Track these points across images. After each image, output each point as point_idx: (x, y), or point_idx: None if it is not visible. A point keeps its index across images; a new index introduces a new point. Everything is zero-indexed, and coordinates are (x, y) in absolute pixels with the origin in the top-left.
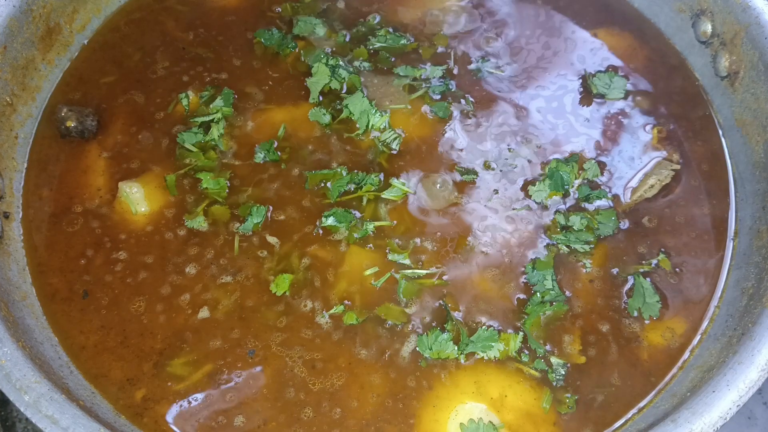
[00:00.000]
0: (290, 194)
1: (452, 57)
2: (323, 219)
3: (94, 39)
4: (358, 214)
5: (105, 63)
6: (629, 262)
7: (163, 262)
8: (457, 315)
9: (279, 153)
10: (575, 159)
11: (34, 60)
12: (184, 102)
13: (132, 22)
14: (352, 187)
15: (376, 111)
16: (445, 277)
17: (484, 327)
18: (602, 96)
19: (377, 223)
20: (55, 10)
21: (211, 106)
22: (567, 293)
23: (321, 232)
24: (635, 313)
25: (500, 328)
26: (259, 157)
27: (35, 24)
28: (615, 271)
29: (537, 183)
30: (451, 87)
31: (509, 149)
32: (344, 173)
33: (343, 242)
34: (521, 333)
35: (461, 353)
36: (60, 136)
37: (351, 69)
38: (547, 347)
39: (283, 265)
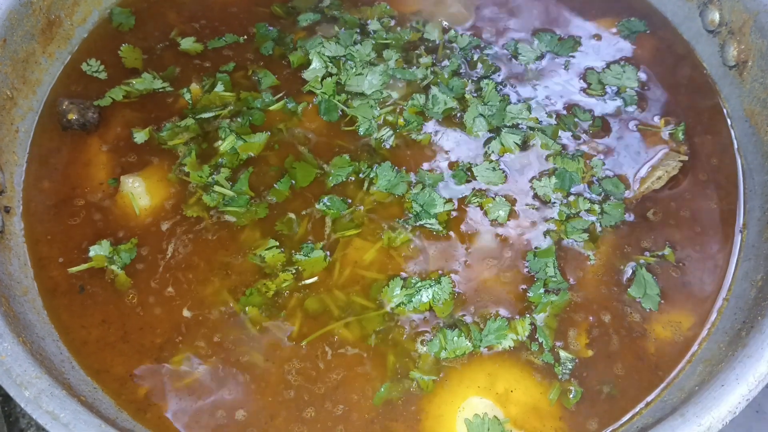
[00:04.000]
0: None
1: (453, 49)
2: (318, 203)
3: (94, 31)
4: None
5: (106, 55)
6: (634, 254)
7: (163, 254)
8: (464, 310)
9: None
10: (580, 153)
11: (34, 53)
12: (187, 97)
13: (133, 14)
14: (353, 178)
15: (374, 106)
16: (453, 276)
17: (492, 318)
18: (606, 87)
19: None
20: (55, 2)
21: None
22: (571, 281)
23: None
24: (635, 304)
25: (509, 316)
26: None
27: (35, 17)
28: (619, 262)
29: (542, 178)
30: (453, 80)
31: (514, 144)
32: (347, 159)
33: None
34: (527, 316)
35: (478, 348)
36: (61, 129)
37: (348, 53)
38: (556, 342)
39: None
